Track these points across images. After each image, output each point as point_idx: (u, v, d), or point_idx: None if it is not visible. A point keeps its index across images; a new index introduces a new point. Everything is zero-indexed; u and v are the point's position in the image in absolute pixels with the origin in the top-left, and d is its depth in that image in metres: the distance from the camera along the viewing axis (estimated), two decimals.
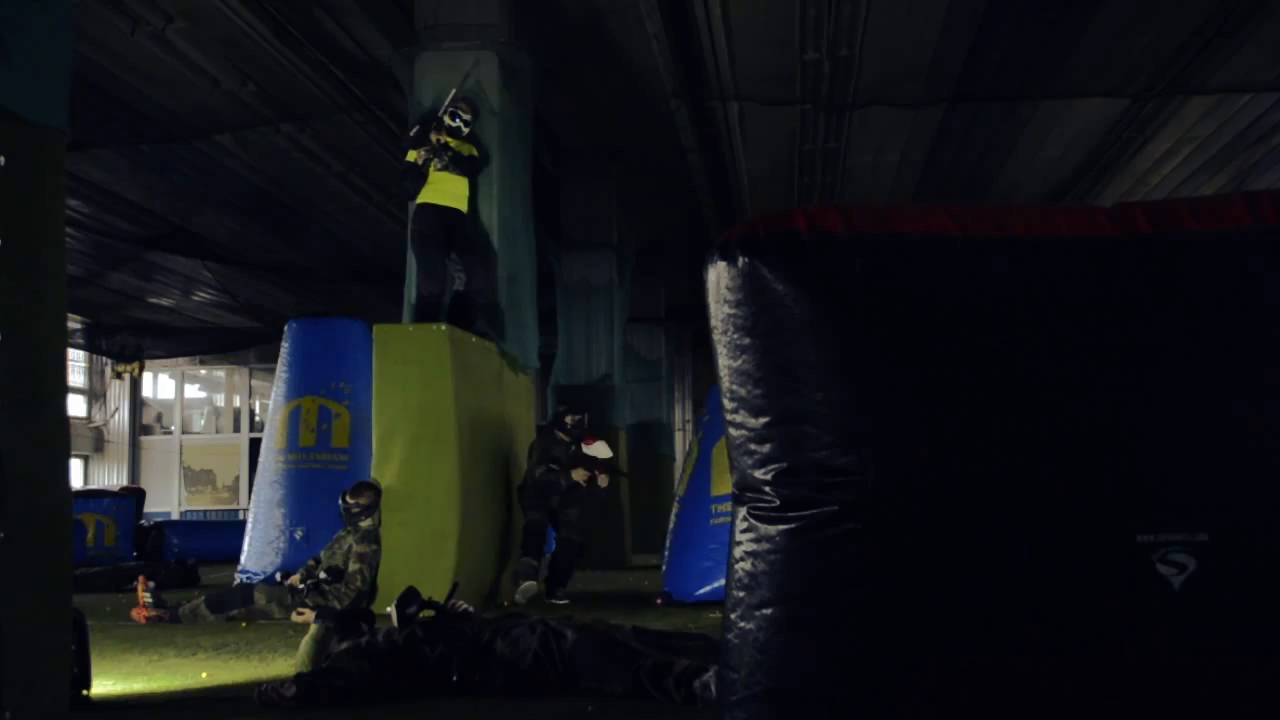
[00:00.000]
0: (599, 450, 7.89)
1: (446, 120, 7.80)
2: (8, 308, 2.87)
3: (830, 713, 2.14)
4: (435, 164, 7.77)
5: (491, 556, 7.62)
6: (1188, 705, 2.10)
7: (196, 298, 19.16)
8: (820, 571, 2.16)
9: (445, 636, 3.91)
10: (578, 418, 7.91)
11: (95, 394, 23.65)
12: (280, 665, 4.60)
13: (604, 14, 9.70)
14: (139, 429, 24.04)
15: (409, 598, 4.16)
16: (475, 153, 7.98)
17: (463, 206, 7.90)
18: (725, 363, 2.29)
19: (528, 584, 7.21)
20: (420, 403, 7.12)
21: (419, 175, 7.78)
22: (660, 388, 17.95)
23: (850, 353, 2.20)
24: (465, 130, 7.90)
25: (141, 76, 10.59)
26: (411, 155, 7.81)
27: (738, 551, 2.26)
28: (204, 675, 4.46)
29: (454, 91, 7.93)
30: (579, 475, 7.67)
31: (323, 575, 6.72)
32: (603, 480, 7.79)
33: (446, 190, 7.82)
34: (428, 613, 4.19)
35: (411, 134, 7.89)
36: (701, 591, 7.02)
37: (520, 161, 8.74)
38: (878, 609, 2.14)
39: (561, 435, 7.83)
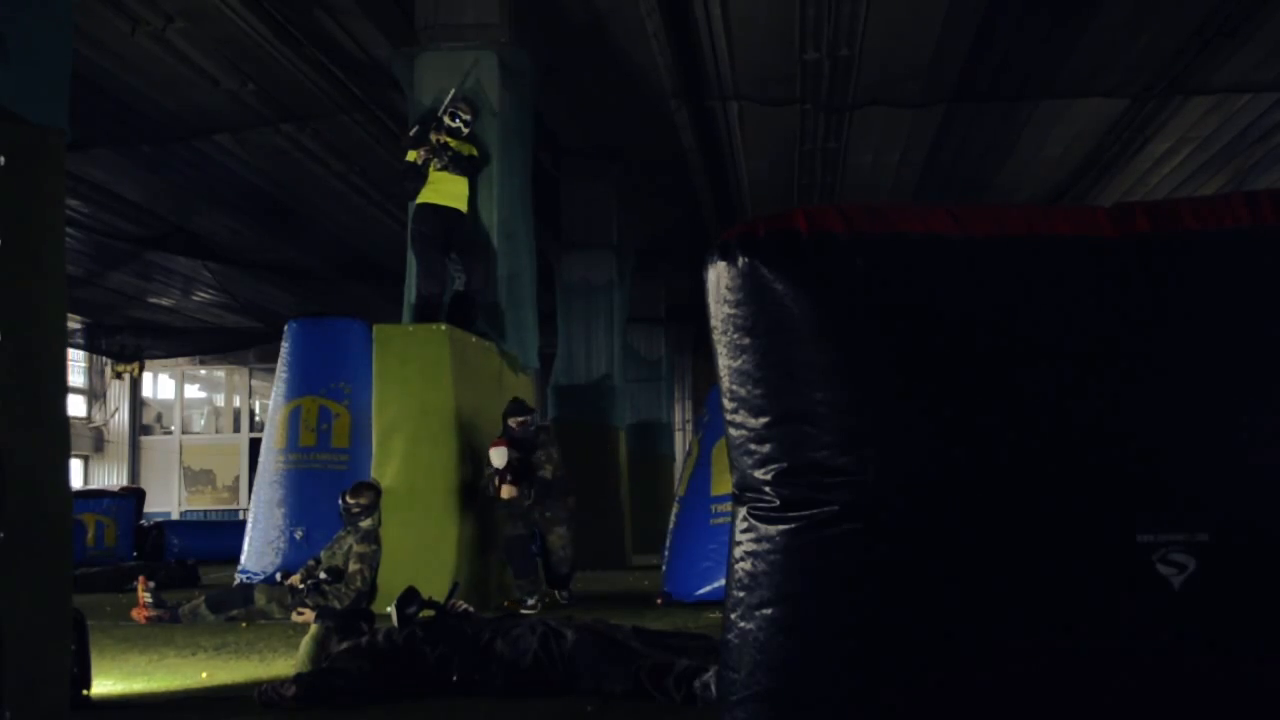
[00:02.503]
0: (495, 458, 7.03)
1: (446, 120, 7.80)
2: (8, 308, 2.86)
3: (830, 713, 2.14)
4: (435, 164, 7.77)
5: (491, 556, 7.61)
6: (1188, 705, 2.10)
7: (196, 298, 19.17)
8: (820, 572, 2.16)
9: (445, 636, 3.92)
10: (521, 420, 7.21)
11: (95, 394, 23.66)
12: (280, 665, 4.60)
13: (604, 14, 9.70)
14: (139, 429, 24.05)
15: (409, 598, 4.16)
16: (475, 152, 7.99)
17: (462, 206, 7.90)
18: (725, 363, 2.28)
19: (529, 609, 6.80)
20: (420, 403, 7.12)
21: (419, 175, 7.78)
22: (660, 388, 17.96)
23: (850, 353, 2.20)
24: (465, 130, 7.90)
25: (141, 76, 10.60)
26: (411, 155, 7.81)
27: (738, 551, 2.26)
28: (204, 675, 4.46)
29: (454, 91, 7.93)
30: (507, 492, 7.00)
31: (323, 575, 6.72)
32: (506, 492, 7.00)
33: (446, 190, 7.83)
34: (428, 613, 4.19)
35: (411, 134, 7.88)
36: (701, 591, 7.02)
37: (520, 161, 8.75)
38: (878, 609, 2.14)
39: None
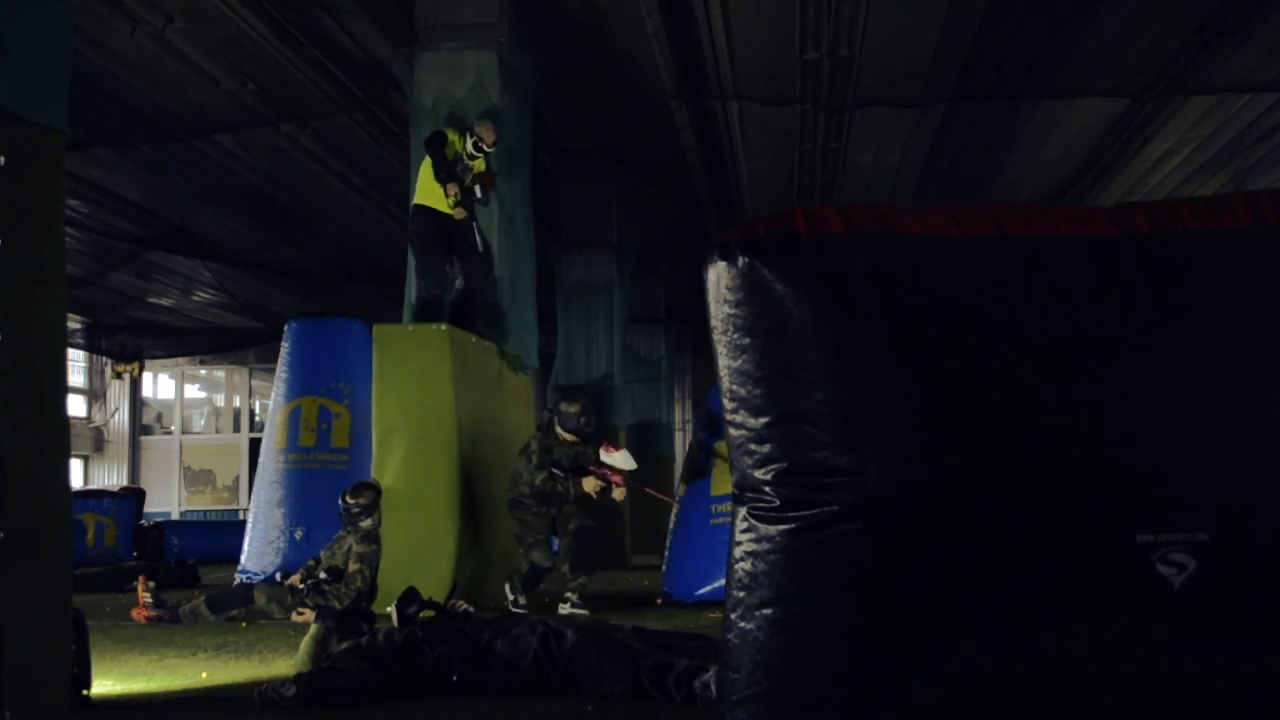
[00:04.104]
0: (622, 461, 6.77)
1: (470, 148, 7.83)
2: (8, 308, 2.86)
3: (830, 713, 2.14)
4: (459, 170, 7.80)
5: (491, 557, 7.61)
6: (1188, 705, 2.10)
7: (196, 298, 19.18)
8: (820, 571, 2.16)
9: (445, 636, 3.92)
10: (589, 417, 6.89)
11: (95, 394, 23.67)
12: (280, 665, 4.59)
13: (604, 14, 9.70)
14: (139, 429, 24.06)
15: (409, 598, 4.16)
16: (482, 168, 8.01)
17: (461, 210, 7.90)
18: (725, 363, 2.29)
19: (520, 608, 6.63)
20: (420, 403, 7.11)
21: (453, 175, 7.76)
22: (660, 388, 17.95)
23: (850, 353, 2.20)
24: (478, 155, 7.94)
25: (141, 76, 10.60)
26: (454, 139, 7.77)
27: (738, 551, 2.26)
28: (204, 675, 4.46)
29: (489, 123, 7.88)
30: (590, 486, 6.69)
31: (323, 575, 6.72)
32: (619, 494, 6.80)
33: (444, 194, 7.82)
34: (428, 613, 4.20)
35: (467, 132, 7.86)
36: (701, 591, 7.02)
37: (520, 161, 8.75)
38: (877, 609, 2.14)
39: (566, 435, 6.84)
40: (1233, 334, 2.18)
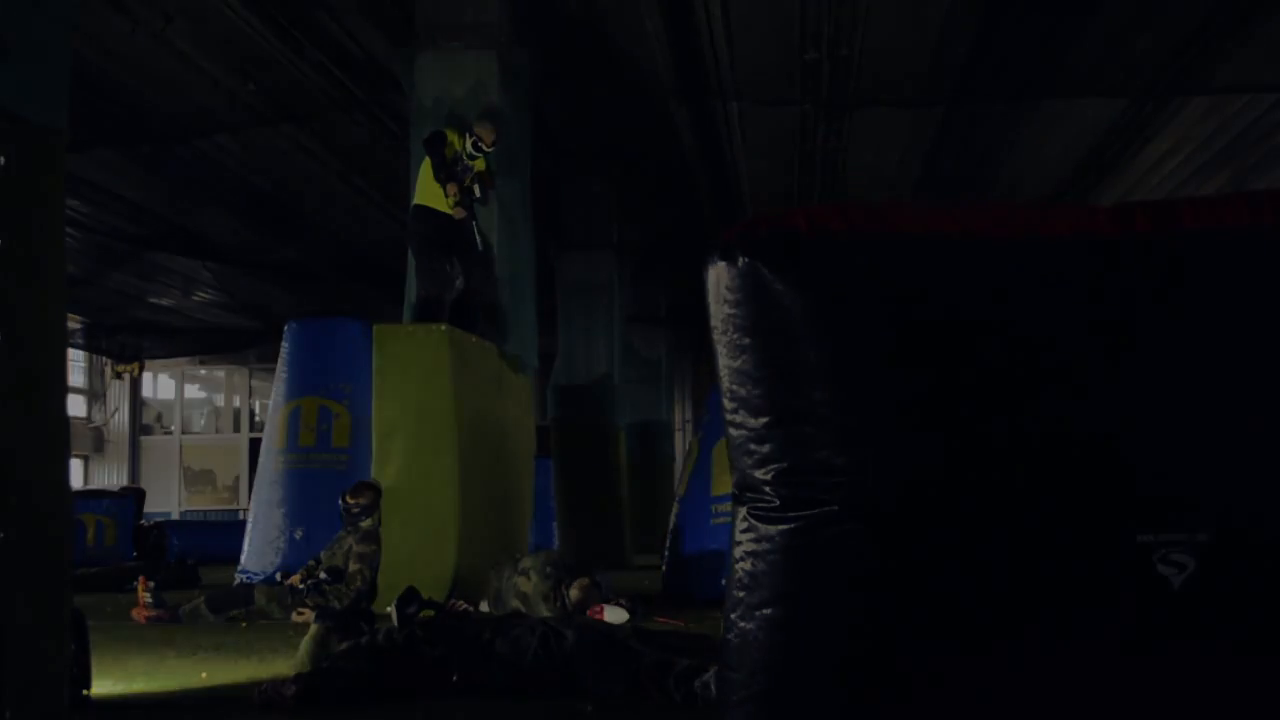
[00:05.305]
0: (615, 617, 5.99)
1: (469, 148, 7.82)
2: (8, 308, 2.86)
3: (830, 713, 2.14)
4: (459, 170, 7.80)
5: (491, 557, 7.60)
6: (1188, 706, 2.10)
7: (196, 298, 19.16)
8: (820, 572, 2.16)
9: (445, 636, 3.92)
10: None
11: (95, 394, 23.66)
12: (280, 665, 4.59)
13: (604, 14, 9.70)
14: (139, 429, 24.06)
15: (409, 598, 4.17)
16: (482, 168, 8.01)
17: (461, 209, 7.91)
18: (725, 363, 2.28)
19: None
20: (420, 403, 7.12)
21: (454, 175, 7.75)
22: (660, 388, 17.97)
23: (850, 353, 2.20)
24: (477, 154, 7.94)
25: (141, 76, 10.59)
26: (453, 139, 7.76)
27: (738, 551, 2.26)
28: (204, 675, 4.46)
29: (488, 124, 7.87)
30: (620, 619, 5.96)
31: (323, 575, 6.72)
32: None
33: (444, 194, 7.82)
34: (428, 613, 4.20)
35: (468, 132, 7.84)
36: (701, 592, 7.02)
37: (520, 161, 8.75)
38: (877, 609, 2.14)
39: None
40: (1233, 334, 2.18)
